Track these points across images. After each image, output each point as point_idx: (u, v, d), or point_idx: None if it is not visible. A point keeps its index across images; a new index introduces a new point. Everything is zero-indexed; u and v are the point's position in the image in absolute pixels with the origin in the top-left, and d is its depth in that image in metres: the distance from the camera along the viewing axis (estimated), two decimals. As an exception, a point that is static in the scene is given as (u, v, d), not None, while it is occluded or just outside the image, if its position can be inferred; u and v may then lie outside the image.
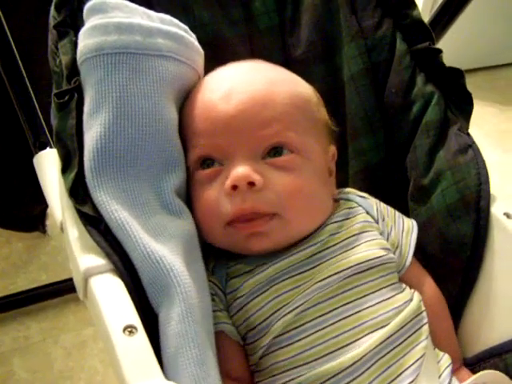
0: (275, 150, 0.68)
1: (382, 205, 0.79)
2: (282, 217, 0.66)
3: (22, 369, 1.32)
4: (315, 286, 0.66)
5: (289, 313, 0.65)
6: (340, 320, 0.65)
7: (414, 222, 0.79)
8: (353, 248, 0.70)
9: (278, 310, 0.66)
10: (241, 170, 0.65)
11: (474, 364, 0.72)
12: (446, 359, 0.69)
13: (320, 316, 0.65)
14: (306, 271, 0.68)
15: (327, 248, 0.70)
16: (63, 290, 1.45)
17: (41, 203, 1.37)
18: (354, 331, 0.64)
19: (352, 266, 0.68)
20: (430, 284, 0.77)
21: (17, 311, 1.45)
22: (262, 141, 0.67)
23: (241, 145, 0.67)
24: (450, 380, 0.67)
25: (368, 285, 0.68)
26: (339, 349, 0.63)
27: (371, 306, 0.66)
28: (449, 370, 0.68)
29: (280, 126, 0.67)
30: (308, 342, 0.64)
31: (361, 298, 0.67)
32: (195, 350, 0.56)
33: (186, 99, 0.73)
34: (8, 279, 1.54)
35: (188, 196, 0.72)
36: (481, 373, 0.67)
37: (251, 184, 0.64)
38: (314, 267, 0.68)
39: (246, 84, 0.69)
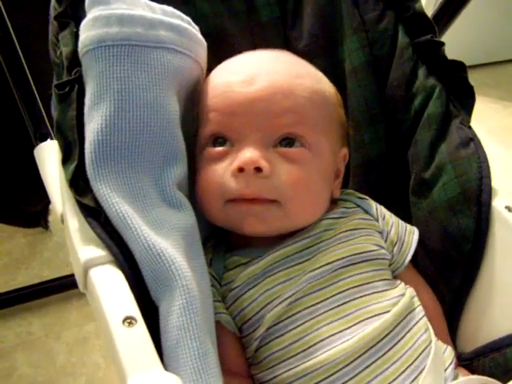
0: (287, 141, 0.68)
1: (383, 207, 0.80)
2: (282, 205, 0.67)
3: (24, 364, 1.33)
4: (307, 276, 0.67)
5: (281, 303, 0.65)
6: (332, 309, 0.65)
7: (416, 228, 0.79)
8: (346, 241, 0.71)
9: (271, 301, 0.66)
10: (250, 154, 0.65)
11: (474, 358, 0.72)
12: (449, 352, 0.70)
13: (312, 305, 0.65)
14: (299, 263, 0.68)
15: (321, 241, 0.70)
16: (65, 285, 1.46)
17: (43, 199, 1.37)
18: (346, 319, 0.65)
19: (345, 257, 0.69)
20: (425, 288, 0.78)
21: (19, 307, 1.45)
22: (277, 129, 0.68)
23: (255, 129, 0.67)
24: (456, 375, 0.67)
25: (360, 276, 0.68)
26: (332, 335, 0.63)
27: (363, 296, 0.67)
28: (453, 364, 0.68)
29: (296, 117, 0.68)
30: (301, 331, 0.64)
31: (353, 288, 0.67)
32: (196, 343, 0.56)
33: (204, 79, 0.74)
34: (10, 275, 1.54)
35: (189, 189, 0.72)
36: (471, 376, 0.68)
37: (258, 169, 0.65)
38: (307, 259, 0.69)
39: (269, 71, 0.69)
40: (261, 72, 0.69)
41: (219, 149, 0.69)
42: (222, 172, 0.68)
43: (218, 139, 0.70)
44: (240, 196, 0.66)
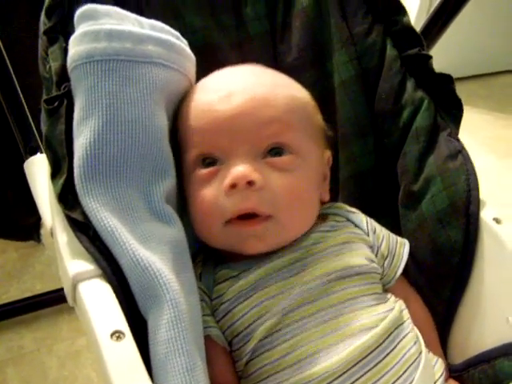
0: (275, 151, 0.68)
1: (373, 221, 0.80)
2: (276, 220, 0.67)
3: (15, 379, 1.32)
4: (298, 290, 0.67)
5: (272, 317, 0.65)
6: (322, 323, 0.65)
7: (406, 241, 0.80)
8: (337, 255, 0.71)
9: (262, 315, 0.66)
10: (240, 169, 0.65)
11: (464, 370, 0.72)
12: (439, 365, 0.70)
13: (302, 318, 0.65)
14: (290, 277, 0.68)
15: (312, 255, 0.70)
16: (58, 299, 1.44)
17: (35, 212, 1.37)
18: (336, 333, 0.64)
19: (335, 271, 0.69)
20: (417, 301, 0.78)
21: (11, 321, 1.45)
22: (263, 140, 0.68)
23: (242, 144, 0.67)
24: None
25: (351, 290, 0.68)
26: (322, 350, 0.63)
27: (354, 311, 0.67)
28: (443, 376, 0.68)
29: (280, 126, 0.68)
30: (291, 345, 0.64)
31: (343, 302, 0.67)
32: (184, 357, 0.56)
33: (181, 101, 0.74)
34: (2, 288, 1.53)
35: (180, 200, 0.72)
36: None
37: (250, 183, 0.65)
38: (297, 273, 0.69)
39: (246, 85, 0.70)
40: (238, 86, 0.69)
41: (209, 169, 0.69)
42: (215, 192, 0.67)
43: (206, 160, 0.69)
44: (237, 212, 0.66)
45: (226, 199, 0.66)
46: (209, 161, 0.69)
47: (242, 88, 0.69)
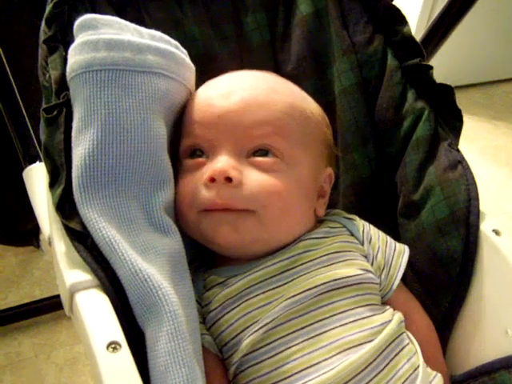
0: (261, 152, 0.69)
1: (372, 228, 0.79)
2: (255, 214, 0.66)
3: (12, 386, 1.31)
4: (286, 303, 0.65)
5: (257, 330, 0.64)
6: (311, 338, 0.64)
7: (406, 247, 0.78)
8: (328, 266, 0.69)
9: (248, 327, 0.65)
10: (220, 164, 0.66)
11: (463, 382, 0.71)
12: (438, 379, 0.68)
13: (290, 333, 0.64)
14: (278, 287, 0.67)
15: (301, 264, 0.69)
16: (56, 305, 1.44)
17: (34, 218, 1.37)
18: (325, 349, 0.63)
19: (326, 283, 0.67)
20: (419, 311, 0.77)
21: (9, 327, 1.44)
22: (250, 140, 0.68)
23: (228, 140, 0.68)
24: None
25: (342, 302, 0.67)
26: (311, 366, 0.62)
27: (344, 325, 0.65)
28: None
29: (271, 129, 0.68)
30: (278, 360, 0.63)
31: (333, 315, 0.66)
32: (184, 369, 0.56)
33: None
34: (0, 294, 1.53)
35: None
36: None
37: (228, 179, 0.65)
38: (286, 283, 0.68)
39: (249, 86, 0.71)
40: (240, 87, 0.70)
41: (195, 160, 0.70)
42: (195, 182, 0.68)
43: (196, 151, 0.71)
44: (212, 205, 0.66)
45: (204, 191, 0.67)
46: (199, 153, 0.71)
47: (242, 88, 0.70)
